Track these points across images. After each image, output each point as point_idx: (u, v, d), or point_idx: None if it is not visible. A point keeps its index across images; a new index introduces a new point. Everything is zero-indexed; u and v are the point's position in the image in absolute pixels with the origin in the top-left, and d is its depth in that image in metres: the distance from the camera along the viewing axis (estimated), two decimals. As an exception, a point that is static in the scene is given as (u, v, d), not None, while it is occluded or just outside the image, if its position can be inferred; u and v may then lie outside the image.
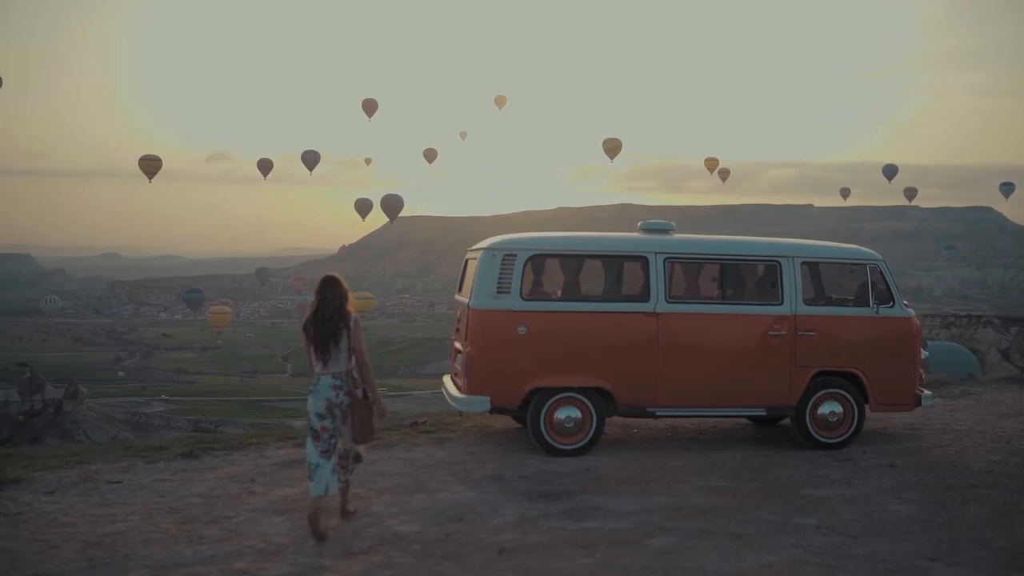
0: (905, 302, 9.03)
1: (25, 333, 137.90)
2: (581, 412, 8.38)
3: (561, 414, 8.35)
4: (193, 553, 5.57)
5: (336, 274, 6.48)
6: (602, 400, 8.43)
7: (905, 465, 8.11)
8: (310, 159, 78.59)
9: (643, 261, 8.56)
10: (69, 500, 6.74)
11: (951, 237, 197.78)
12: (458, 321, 9.01)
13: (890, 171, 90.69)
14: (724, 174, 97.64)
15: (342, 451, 6.23)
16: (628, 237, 9.04)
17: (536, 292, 8.58)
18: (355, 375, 6.26)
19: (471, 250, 9.17)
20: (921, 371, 9.17)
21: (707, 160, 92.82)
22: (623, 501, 6.93)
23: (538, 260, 8.59)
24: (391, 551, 5.70)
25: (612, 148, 77.55)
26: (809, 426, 8.73)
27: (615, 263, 8.78)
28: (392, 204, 79.37)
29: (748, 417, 9.46)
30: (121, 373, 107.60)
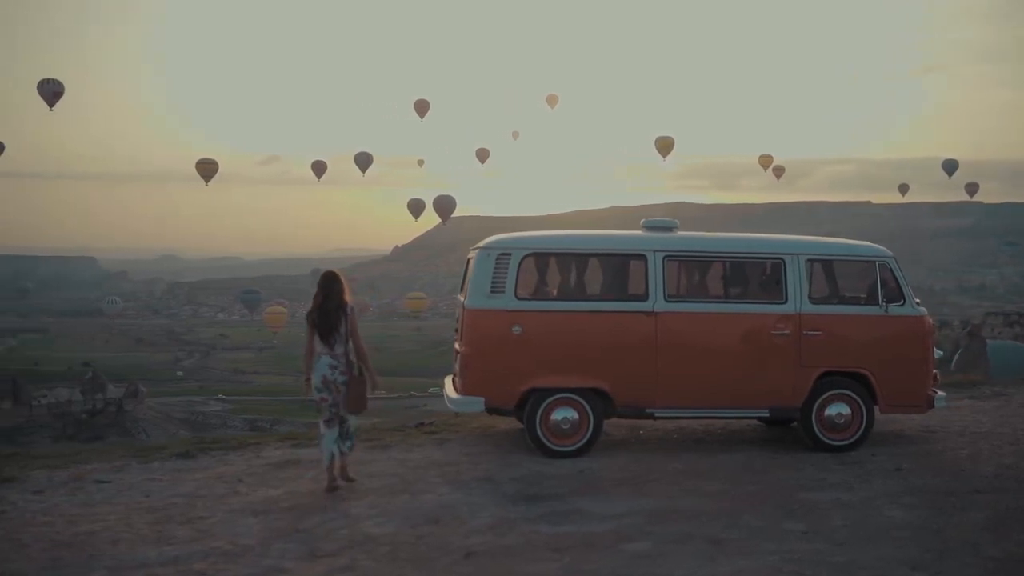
0: (917, 300, 8.73)
1: (88, 334, 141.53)
2: (578, 413, 8.24)
3: (557, 415, 8.22)
4: (157, 554, 5.57)
5: (336, 270, 7.39)
6: (600, 401, 8.29)
7: (912, 469, 7.82)
8: (363, 160, 79.19)
9: (641, 259, 8.39)
10: (54, 499, 6.81)
11: (1013, 233, 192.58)
12: (457, 321, 8.93)
13: (950, 166, 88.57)
14: (779, 171, 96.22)
15: (338, 419, 7.10)
16: (626, 235, 8.87)
17: (531, 291, 8.46)
18: (352, 357, 7.18)
19: (472, 249, 9.09)
20: (935, 371, 8.86)
21: (761, 157, 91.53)
22: (610, 504, 6.79)
23: (534, 259, 8.47)
24: (357, 553, 5.64)
25: (664, 146, 76.91)
26: (815, 428, 8.47)
27: (612, 262, 8.62)
28: (444, 205, 79.64)
29: (756, 418, 9.22)
30: (180, 373, 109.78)
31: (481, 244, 8.61)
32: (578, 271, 8.63)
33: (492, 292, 8.24)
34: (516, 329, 8.19)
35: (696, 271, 8.80)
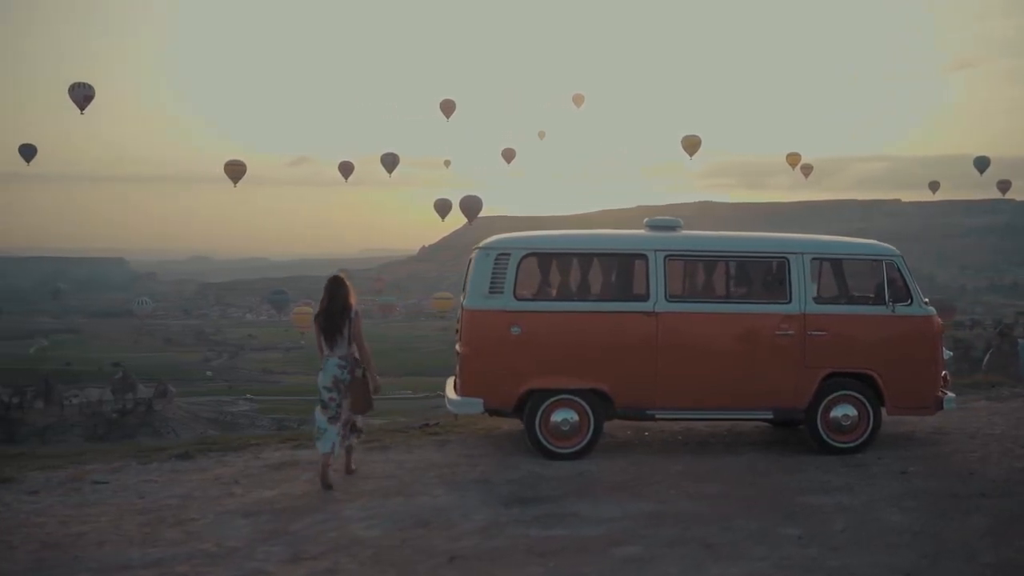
0: (925, 300, 8.56)
1: (119, 334, 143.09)
2: (578, 415, 8.16)
3: (557, 417, 8.14)
4: (141, 556, 5.56)
5: (341, 275, 7.61)
6: (600, 402, 8.20)
7: (917, 472, 7.67)
8: (389, 161, 79.36)
9: (642, 259, 8.29)
10: (49, 500, 6.83)
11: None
12: (458, 322, 8.88)
13: (982, 163, 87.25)
14: (807, 170, 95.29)
15: (344, 420, 7.36)
16: (627, 234, 8.78)
17: (530, 292, 8.39)
18: (355, 356, 7.41)
19: (473, 249, 9.03)
20: (945, 372, 8.69)
21: (789, 156, 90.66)
22: (605, 507, 6.71)
23: (533, 259, 8.39)
24: (340, 556, 5.60)
25: (691, 145, 76.46)
26: (821, 430, 8.33)
27: (613, 261, 8.53)
28: (471, 205, 79.65)
29: (761, 420, 9.08)
30: (209, 373, 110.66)
31: (480, 244, 8.55)
32: (578, 271, 8.54)
33: (491, 292, 8.18)
34: (515, 330, 8.12)
35: (698, 271, 8.69)
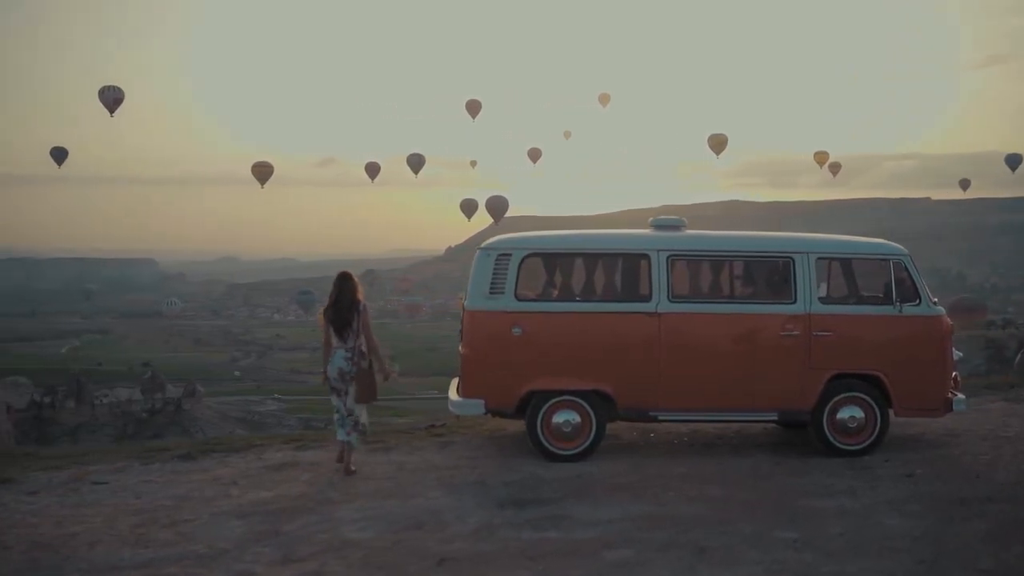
0: (934, 300, 8.41)
1: (148, 334, 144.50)
2: (580, 416, 8.10)
3: (559, 418, 8.09)
4: (132, 556, 5.58)
5: (349, 271, 7.92)
6: (602, 404, 8.13)
7: (923, 475, 7.53)
8: (415, 162, 79.50)
9: (644, 259, 8.22)
10: (47, 500, 6.88)
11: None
12: (461, 323, 8.84)
13: (1013, 160, 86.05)
14: (835, 168, 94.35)
15: (346, 411, 7.63)
16: (629, 234, 8.71)
17: (532, 292, 8.34)
18: (362, 349, 7.71)
19: (476, 250, 8.99)
20: (955, 374, 8.54)
21: (817, 154, 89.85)
22: (601, 510, 6.65)
23: (534, 259, 8.34)
24: (330, 559, 5.59)
25: (718, 144, 75.97)
26: (827, 432, 8.21)
27: (615, 261, 8.46)
28: (497, 205, 79.61)
29: (767, 421, 8.97)
30: (237, 373, 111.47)
31: (482, 245, 8.51)
32: (579, 271, 8.49)
33: (491, 293, 8.14)
34: (516, 330, 8.07)
35: (701, 271, 8.60)
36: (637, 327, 8.13)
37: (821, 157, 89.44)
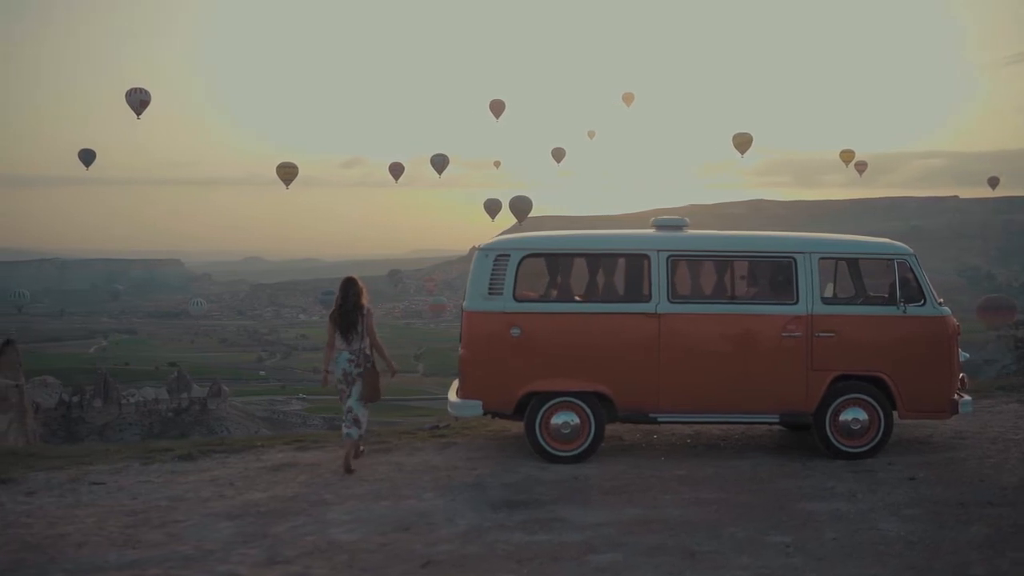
0: (940, 300, 8.28)
1: (175, 334, 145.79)
2: (579, 417, 8.05)
3: (558, 419, 8.04)
4: (117, 558, 5.59)
5: (354, 276, 8.20)
6: (601, 405, 8.07)
7: (925, 478, 7.41)
8: (439, 162, 79.67)
9: (644, 259, 8.15)
10: (43, 501, 6.91)
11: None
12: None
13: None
14: (861, 167, 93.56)
15: (346, 408, 7.96)
16: (628, 234, 8.65)
17: (530, 293, 8.30)
18: (367, 351, 8.01)
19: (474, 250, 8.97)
20: (962, 375, 8.40)
21: (842, 152, 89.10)
22: (593, 512, 6.59)
23: (533, 260, 8.30)
24: (315, 561, 5.57)
25: (742, 143, 75.59)
26: (830, 434, 8.11)
27: (614, 262, 8.40)
28: (520, 206, 79.60)
29: (771, 424, 8.87)
30: (262, 373, 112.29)
31: (480, 245, 8.48)
32: (578, 272, 8.44)
33: (490, 294, 8.11)
34: (515, 331, 8.03)
35: (702, 271, 8.51)
36: (637, 328, 8.07)
37: (847, 155, 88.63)
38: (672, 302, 8.07)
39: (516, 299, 8.08)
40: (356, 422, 7.95)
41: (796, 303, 8.10)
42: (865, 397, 8.10)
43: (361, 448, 8.18)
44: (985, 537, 5.92)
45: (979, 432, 9.13)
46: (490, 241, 8.48)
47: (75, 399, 74.21)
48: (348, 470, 7.73)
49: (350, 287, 8.05)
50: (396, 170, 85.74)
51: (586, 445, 8.06)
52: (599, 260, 8.44)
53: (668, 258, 8.12)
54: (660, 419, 8.21)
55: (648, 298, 8.07)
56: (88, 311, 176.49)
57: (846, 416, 8.09)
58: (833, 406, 8.09)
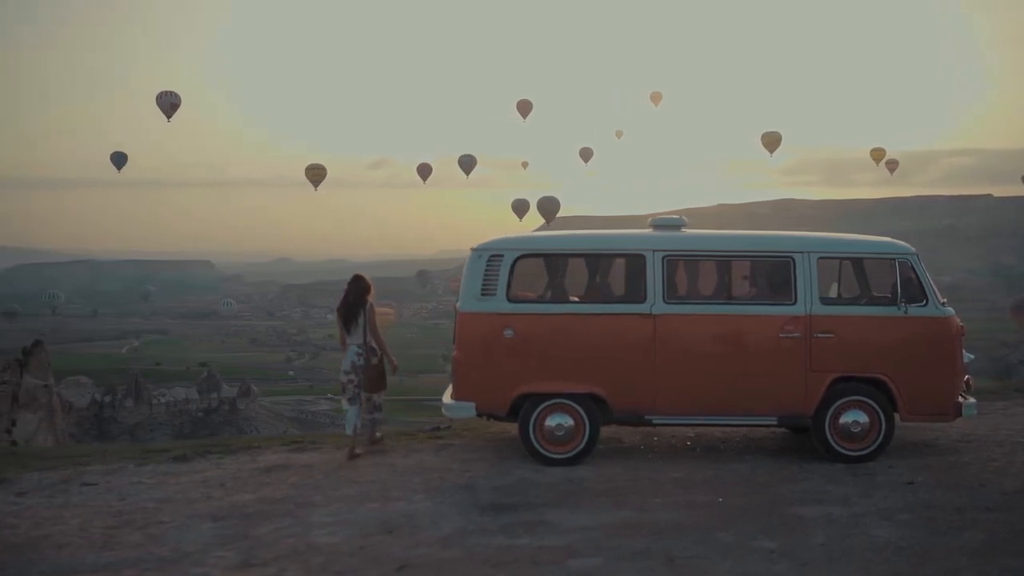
0: (943, 300, 8.10)
1: (205, 335, 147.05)
2: (573, 419, 7.96)
3: (552, 421, 7.96)
4: (94, 559, 5.58)
5: (362, 274, 8.73)
6: (596, 407, 7.98)
7: (925, 482, 7.24)
8: (467, 163, 79.71)
9: (640, 259, 8.04)
10: (32, 501, 6.93)
11: None
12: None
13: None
14: (892, 165, 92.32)
15: (363, 399, 8.44)
16: (624, 234, 8.55)
17: (524, 294, 8.22)
18: (372, 345, 8.48)
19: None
20: (967, 377, 8.21)
21: (873, 151, 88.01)
22: (580, 516, 6.50)
23: (527, 260, 8.21)
24: (290, 563, 5.53)
25: (771, 142, 74.95)
26: (829, 437, 7.96)
27: (609, 262, 8.32)
28: (548, 206, 79.42)
29: (769, 426, 8.72)
30: (291, 373, 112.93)
31: (474, 246, 8.42)
32: (573, 272, 8.35)
33: (483, 295, 8.04)
34: (508, 332, 7.96)
35: (699, 271, 8.39)
36: (632, 329, 7.96)
37: (878, 154, 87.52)
38: (668, 302, 7.96)
39: (510, 300, 8.02)
40: (376, 407, 8.67)
41: (794, 303, 7.96)
42: (865, 399, 7.95)
43: (372, 437, 8.70)
44: (979, 543, 5.76)
45: (987, 435, 8.94)
46: (484, 241, 8.41)
47: (107, 399, 75.12)
48: (352, 455, 8.23)
49: (356, 282, 8.60)
50: (424, 171, 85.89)
51: (580, 447, 7.97)
52: (594, 260, 8.35)
53: (664, 258, 8.01)
54: (656, 421, 8.10)
55: (643, 298, 7.97)
56: (120, 312, 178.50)
57: (846, 418, 7.94)
58: (833, 408, 7.94)
